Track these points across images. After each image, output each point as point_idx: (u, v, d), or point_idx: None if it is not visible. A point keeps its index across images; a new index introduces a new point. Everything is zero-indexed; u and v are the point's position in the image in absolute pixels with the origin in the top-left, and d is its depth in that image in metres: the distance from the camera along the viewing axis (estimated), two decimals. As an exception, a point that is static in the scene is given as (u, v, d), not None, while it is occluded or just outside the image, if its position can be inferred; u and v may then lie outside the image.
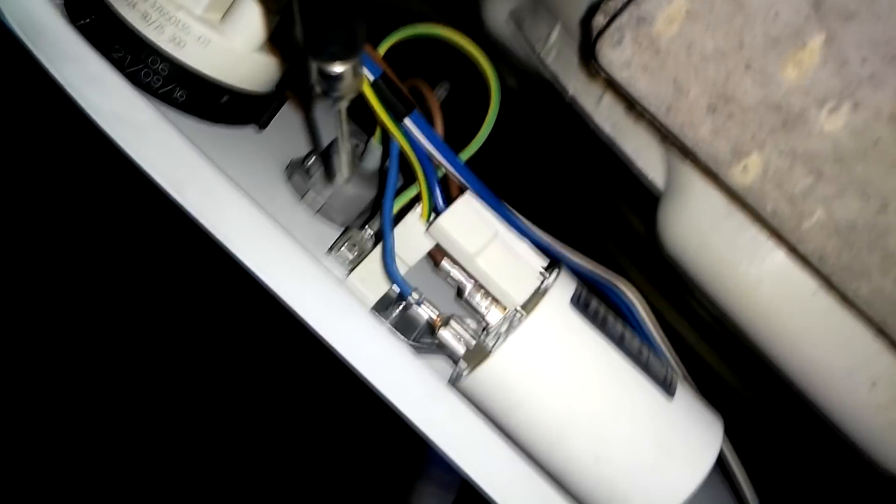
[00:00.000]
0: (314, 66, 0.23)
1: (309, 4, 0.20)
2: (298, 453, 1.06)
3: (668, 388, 0.30)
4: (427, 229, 0.31)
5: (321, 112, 0.39)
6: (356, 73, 0.23)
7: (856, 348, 0.34)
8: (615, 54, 0.28)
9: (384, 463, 1.07)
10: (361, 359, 0.29)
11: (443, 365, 0.34)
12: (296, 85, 0.38)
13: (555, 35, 0.47)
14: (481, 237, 0.30)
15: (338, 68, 0.22)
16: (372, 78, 0.28)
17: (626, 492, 0.29)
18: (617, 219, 0.57)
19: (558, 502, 0.29)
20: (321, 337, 0.29)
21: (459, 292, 0.35)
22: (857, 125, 0.26)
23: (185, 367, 1.02)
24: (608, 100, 0.42)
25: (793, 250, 0.29)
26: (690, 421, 0.30)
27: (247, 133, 0.37)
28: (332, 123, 0.33)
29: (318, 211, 0.36)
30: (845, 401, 0.36)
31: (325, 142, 0.38)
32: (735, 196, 0.29)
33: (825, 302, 0.34)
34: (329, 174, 0.35)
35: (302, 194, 0.36)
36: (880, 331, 0.29)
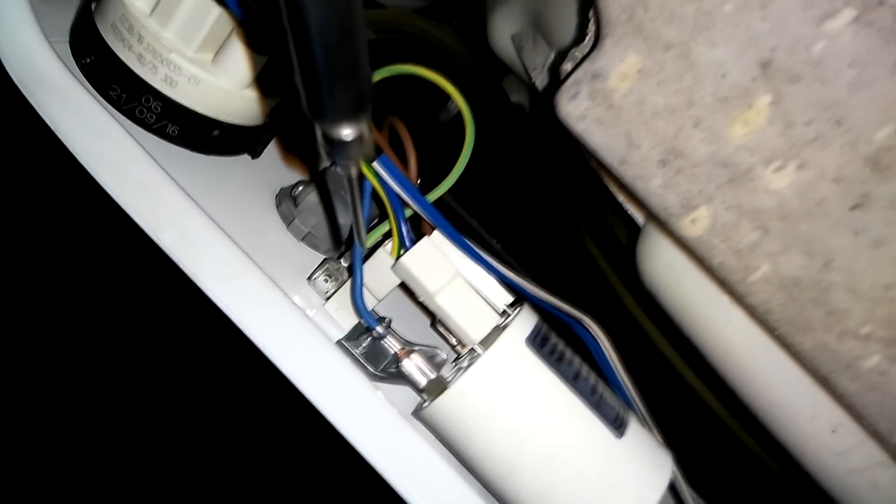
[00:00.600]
0: (318, 130, 0.21)
1: (310, 61, 0.18)
2: (300, 458, 1.06)
3: (618, 426, 0.31)
4: (393, 266, 0.32)
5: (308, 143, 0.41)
6: (365, 137, 0.21)
7: (820, 394, 0.35)
8: (571, 107, 0.29)
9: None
10: (319, 392, 0.31)
11: (411, 396, 0.36)
12: (283, 119, 0.40)
13: (548, 63, 0.48)
14: (442, 276, 0.31)
15: (345, 131, 0.20)
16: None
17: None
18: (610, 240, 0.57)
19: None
20: (282, 370, 0.31)
21: (433, 322, 0.37)
22: (802, 185, 0.27)
23: (185, 368, 1.03)
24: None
25: (741, 301, 0.30)
26: (637, 460, 0.31)
27: (241, 160, 0.39)
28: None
29: (303, 239, 0.38)
30: (810, 445, 0.36)
31: (313, 170, 0.40)
32: (686, 247, 0.30)
33: (790, 346, 0.35)
34: (325, 205, 0.37)
35: (288, 222, 0.38)
36: (825, 384, 0.29)
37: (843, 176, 0.26)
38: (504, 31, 0.57)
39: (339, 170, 0.28)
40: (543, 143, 0.70)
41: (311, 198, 0.38)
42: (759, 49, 0.26)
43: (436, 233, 0.33)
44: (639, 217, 0.42)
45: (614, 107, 0.29)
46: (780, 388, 0.36)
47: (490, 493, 0.32)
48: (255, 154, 0.40)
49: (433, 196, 0.33)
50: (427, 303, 0.32)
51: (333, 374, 0.32)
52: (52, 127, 0.30)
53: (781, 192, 0.27)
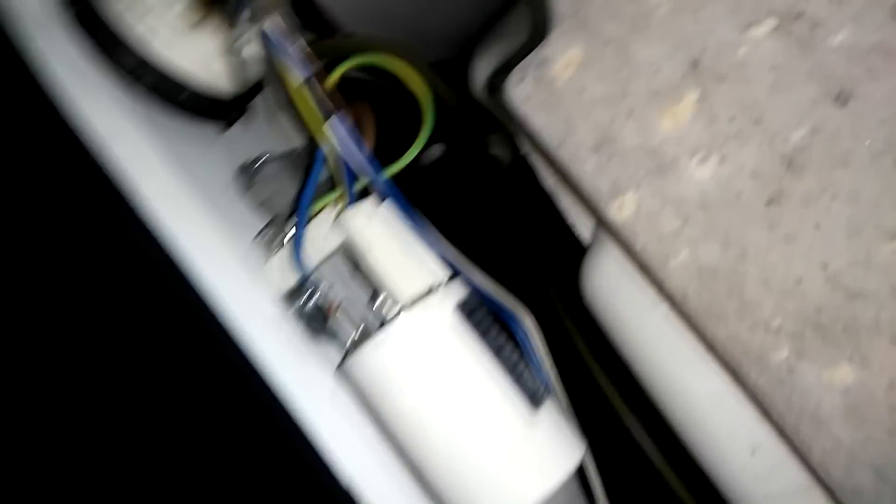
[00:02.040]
0: None
1: None
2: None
3: (534, 403, 0.31)
4: (333, 222, 0.33)
5: (267, 121, 0.43)
6: None
7: (741, 413, 0.35)
8: (517, 90, 0.31)
9: None
10: (249, 337, 0.32)
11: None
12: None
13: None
14: (379, 234, 0.32)
15: None
16: (301, 80, 0.32)
17: (476, 492, 0.30)
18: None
19: (409, 490, 0.30)
20: (215, 308, 0.32)
21: (374, 295, 0.37)
22: (722, 177, 0.29)
23: (186, 368, 1.01)
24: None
25: (660, 288, 0.31)
26: (549, 437, 0.31)
27: (205, 131, 0.41)
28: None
29: (258, 207, 0.39)
30: (728, 467, 0.36)
31: (274, 147, 0.41)
32: (612, 231, 0.31)
33: (714, 363, 0.35)
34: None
35: (244, 192, 0.39)
36: (736, 376, 0.30)
37: (760, 172, 0.28)
38: (480, 77, 0.60)
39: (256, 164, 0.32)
40: (518, 197, 0.73)
41: (269, 171, 0.39)
42: (689, 49, 0.29)
43: (385, 202, 0.34)
44: (585, 237, 0.43)
45: (556, 93, 0.31)
46: (704, 404, 0.36)
47: (403, 457, 0.32)
48: (223, 128, 0.41)
49: (388, 172, 0.35)
50: (361, 261, 0.33)
51: (268, 326, 0.32)
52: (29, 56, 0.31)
53: (703, 183, 0.29)
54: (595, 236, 0.42)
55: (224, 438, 1.01)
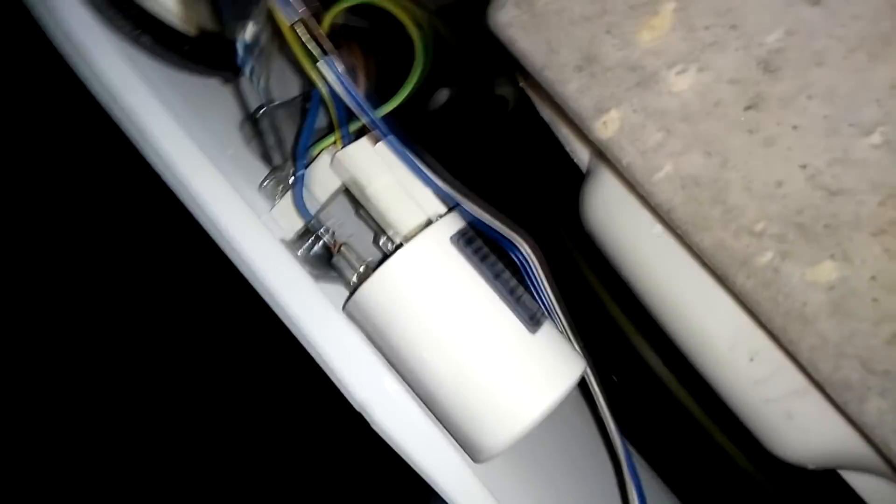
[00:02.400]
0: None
1: None
2: (317, 461, 1.06)
3: (533, 324, 0.33)
4: (331, 163, 0.35)
5: (275, 71, 0.44)
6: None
7: (738, 320, 0.36)
8: (500, 15, 0.32)
9: (400, 479, 1.06)
10: (261, 275, 0.33)
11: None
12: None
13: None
14: (374, 172, 0.34)
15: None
16: (288, 22, 0.33)
17: (481, 411, 0.32)
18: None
19: (418, 415, 0.32)
20: (226, 250, 0.33)
21: (375, 237, 0.39)
22: (701, 86, 0.29)
23: (190, 367, 1.03)
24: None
25: (646, 202, 0.32)
26: (548, 356, 0.32)
27: (209, 84, 0.43)
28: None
29: (262, 156, 0.41)
30: (729, 375, 0.37)
31: (276, 96, 0.43)
32: (600, 150, 0.32)
33: (709, 274, 0.36)
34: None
35: (248, 141, 0.41)
36: (724, 283, 0.31)
37: (738, 78, 0.29)
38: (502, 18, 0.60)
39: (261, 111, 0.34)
40: (524, 138, 0.73)
41: (270, 119, 0.40)
42: (664, -40, 0.29)
43: (380, 143, 0.35)
44: (583, 165, 0.44)
45: (537, 15, 0.31)
46: (703, 317, 0.37)
47: (411, 383, 0.34)
48: (227, 79, 0.43)
49: (382, 111, 0.36)
50: (360, 198, 0.34)
51: (275, 262, 0.34)
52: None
53: (683, 94, 0.30)
54: (591, 162, 0.43)
55: (248, 371, 1.04)
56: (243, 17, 0.30)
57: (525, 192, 0.68)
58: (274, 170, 0.38)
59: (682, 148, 0.30)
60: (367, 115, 0.34)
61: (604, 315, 0.54)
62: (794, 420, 0.36)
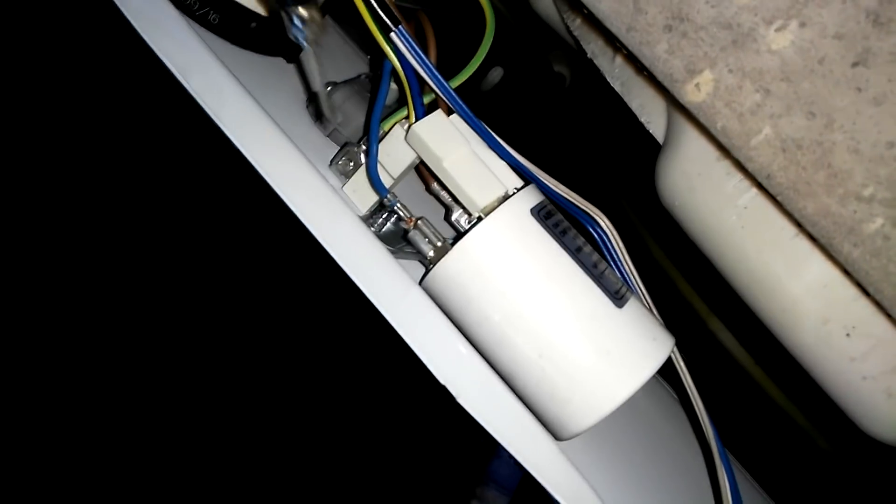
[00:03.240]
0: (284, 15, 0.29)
1: None
2: (358, 456, 1.06)
3: (618, 298, 0.32)
4: (406, 137, 0.34)
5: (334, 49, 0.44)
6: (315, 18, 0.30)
7: (833, 293, 0.35)
8: (582, -23, 0.31)
9: (446, 466, 1.07)
10: (341, 252, 0.33)
11: (421, 270, 0.37)
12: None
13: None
14: (451, 145, 0.33)
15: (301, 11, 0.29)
16: (362, -8, 0.32)
17: (567, 389, 0.31)
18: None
19: (502, 391, 0.31)
20: (309, 229, 0.33)
21: (447, 213, 0.38)
22: (803, 43, 0.28)
23: (203, 366, 1.02)
24: (619, 61, 0.45)
25: (753, 180, 0.30)
26: (636, 330, 0.31)
27: (277, 63, 0.42)
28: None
29: (329, 135, 0.40)
30: (822, 351, 0.36)
31: (339, 76, 0.42)
32: (698, 123, 0.31)
33: (804, 245, 0.35)
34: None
35: (316, 118, 0.41)
36: (828, 253, 0.29)
37: (843, 32, 0.27)
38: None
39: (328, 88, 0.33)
40: (583, 113, 0.72)
41: (339, 97, 0.40)
42: None
43: (453, 115, 0.34)
44: (659, 135, 0.42)
45: (622, -26, 0.30)
46: (793, 289, 0.35)
47: (492, 360, 0.33)
48: (292, 58, 0.42)
49: (454, 83, 0.35)
50: (437, 171, 0.33)
51: (360, 243, 0.33)
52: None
53: (783, 51, 0.28)
54: (669, 132, 0.41)
55: (331, 347, 1.04)
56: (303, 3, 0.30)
57: (585, 168, 0.67)
58: (344, 146, 0.38)
59: (783, 109, 0.28)
60: (442, 85, 0.33)
61: (673, 292, 0.53)
62: (895, 397, 0.34)
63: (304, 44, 0.32)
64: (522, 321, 0.31)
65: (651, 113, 0.43)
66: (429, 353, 0.31)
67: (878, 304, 0.29)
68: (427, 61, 0.33)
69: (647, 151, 0.44)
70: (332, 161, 0.38)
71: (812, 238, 0.33)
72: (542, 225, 0.32)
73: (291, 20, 0.31)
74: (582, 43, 0.48)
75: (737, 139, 0.30)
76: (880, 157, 0.27)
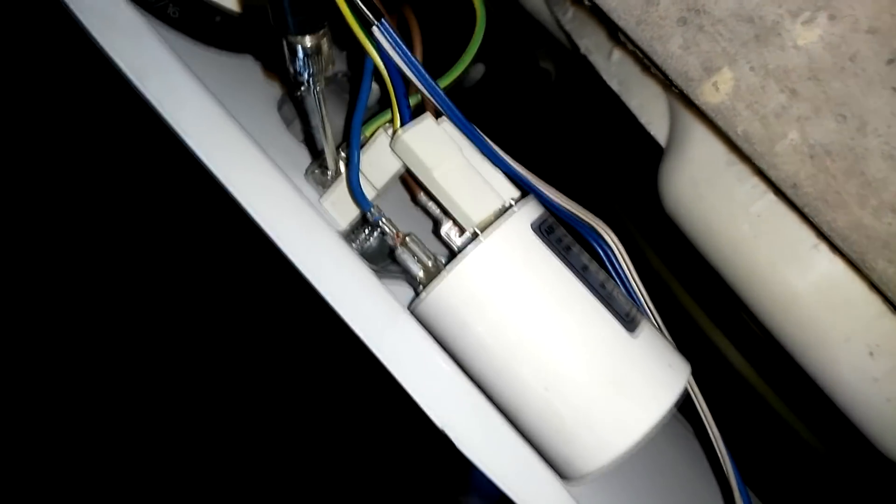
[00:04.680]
0: (285, 45, 0.26)
1: None
2: (340, 466, 1.04)
3: (629, 322, 0.29)
4: (391, 144, 0.31)
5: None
6: (322, 50, 0.27)
7: (856, 310, 0.33)
8: (585, -34, 0.28)
9: (429, 476, 1.05)
10: (319, 275, 0.30)
11: (408, 291, 0.34)
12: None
13: (570, -1, 0.47)
14: (442, 152, 0.30)
15: (307, 42, 0.26)
16: (340, -17, 0.29)
17: (575, 425, 0.28)
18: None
19: (506, 432, 0.29)
20: (283, 252, 0.30)
21: (436, 226, 0.35)
22: (833, 38, 0.25)
23: (203, 367, 1.01)
24: (617, 57, 0.42)
25: (769, 186, 0.28)
26: (650, 359, 0.29)
27: (244, 62, 0.39)
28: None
29: (304, 140, 0.37)
30: (842, 371, 0.34)
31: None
32: (709, 125, 0.28)
33: (824, 258, 0.33)
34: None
35: (289, 123, 0.37)
36: (862, 277, 0.27)
37: (878, 26, 0.25)
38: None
39: (302, 88, 0.30)
40: (570, 111, 0.69)
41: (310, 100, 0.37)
42: None
43: (442, 118, 0.31)
44: (661, 138, 0.40)
45: (631, -38, 0.27)
46: (813, 304, 0.33)
47: (489, 394, 0.30)
48: (260, 57, 0.39)
49: (442, 83, 0.32)
50: (426, 182, 0.31)
51: (340, 264, 0.30)
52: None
53: (811, 47, 0.26)
54: (673, 135, 0.39)
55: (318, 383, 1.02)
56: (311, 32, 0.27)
57: (574, 170, 0.64)
58: (321, 154, 0.34)
59: (811, 111, 0.26)
60: (430, 85, 0.30)
61: (673, 304, 0.50)
62: (923, 421, 0.32)
63: (309, 82, 0.29)
64: (526, 351, 0.28)
65: (652, 113, 0.40)
66: (424, 394, 0.28)
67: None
68: (413, 59, 0.31)
69: (644, 152, 0.42)
70: (307, 170, 0.35)
71: (835, 248, 0.31)
72: (544, 242, 0.29)
73: (294, 52, 0.27)
74: (574, 38, 0.45)
75: (760, 145, 0.27)
76: (919, 165, 0.25)
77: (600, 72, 0.43)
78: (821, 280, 0.33)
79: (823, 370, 0.34)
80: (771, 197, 0.33)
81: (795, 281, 0.33)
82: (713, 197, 0.35)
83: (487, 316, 0.29)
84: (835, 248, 0.31)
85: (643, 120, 0.40)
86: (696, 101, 0.28)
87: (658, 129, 0.40)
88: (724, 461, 0.33)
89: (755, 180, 0.34)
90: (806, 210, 0.27)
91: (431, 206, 0.35)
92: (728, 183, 0.35)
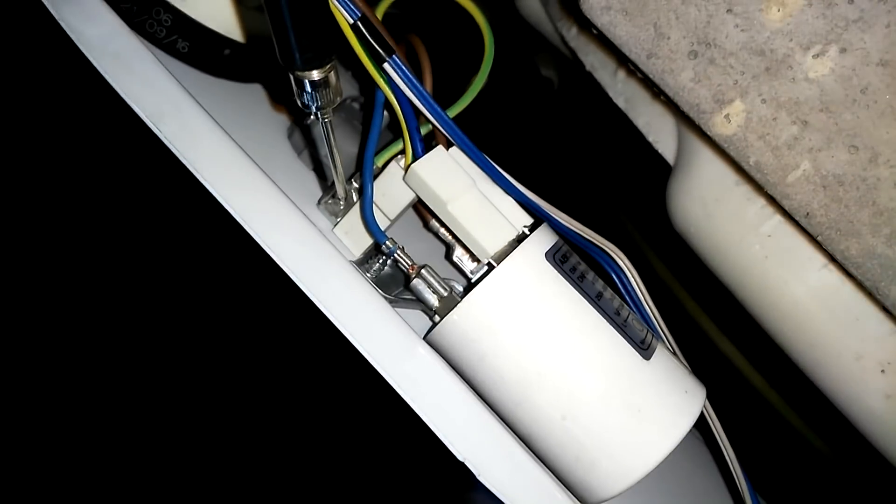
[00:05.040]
0: (293, 79, 0.27)
1: (279, 17, 0.24)
2: (345, 464, 1.04)
3: (645, 349, 0.29)
4: (404, 178, 0.31)
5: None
6: (330, 83, 0.27)
7: (866, 328, 0.33)
8: (595, -1, 0.28)
9: (434, 473, 1.05)
10: (335, 307, 0.30)
11: (423, 320, 0.34)
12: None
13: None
14: (456, 185, 0.30)
15: (315, 76, 0.27)
16: (351, 20, 0.29)
17: (594, 452, 0.28)
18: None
19: (525, 461, 0.29)
20: (294, 280, 0.30)
21: (448, 252, 0.36)
22: (844, 71, 0.26)
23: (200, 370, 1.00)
24: (623, 75, 0.42)
25: (778, 207, 0.28)
26: (667, 384, 0.29)
27: (253, 90, 0.39)
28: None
29: (314, 169, 0.37)
30: (854, 389, 0.34)
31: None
32: (718, 148, 0.29)
33: (834, 277, 0.33)
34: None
35: (300, 151, 0.38)
36: (872, 297, 0.27)
37: (889, 59, 0.25)
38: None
39: (311, 117, 0.30)
40: (574, 120, 0.69)
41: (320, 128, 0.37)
42: (796, -76, 0.25)
43: (453, 147, 0.32)
44: (669, 156, 0.40)
45: (641, -5, 0.28)
46: (823, 324, 0.34)
47: (507, 422, 0.30)
48: (268, 86, 0.39)
49: (452, 112, 0.33)
50: (440, 214, 0.31)
51: (354, 293, 0.30)
52: (63, 26, 0.29)
53: (822, 79, 0.26)
54: (681, 153, 0.39)
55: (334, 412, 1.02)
56: (318, 67, 0.27)
57: (579, 181, 0.64)
58: (333, 184, 0.35)
59: (823, 142, 0.26)
60: (440, 116, 0.31)
61: (682, 315, 0.51)
62: (937, 438, 0.33)
63: (317, 115, 0.29)
64: (543, 379, 0.29)
65: (659, 132, 0.41)
66: (443, 427, 0.28)
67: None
68: (424, 92, 0.31)
69: (648, 161, 0.42)
70: (320, 200, 0.35)
71: (845, 270, 0.31)
72: (559, 271, 0.30)
73: (302, 86, 0.27)
74: (579, 55, 0.46)
75: (772, 175, 0.27)
76: (931, 194, 0.25)
77: (606, 89, 0.43)
78: (831, 299, 0.33)
79: (835, 388, 0.35)
80: (780, 217, 0.34)
81: (806, 300, 0.34)
82: (722, 216, 0.36)
83: (503, 344, 0.29)
84: (843, 269, 0.32)
85: (650, 138, 0.41)
86: (709, 133, 0.28)
87: (666, 147, 0.40)
88: (739, 481, 0.33)
89: (764, 201, 0.34)
90: (819, 238, 0.28)
91: (443, 232, 0.35)
92: (737, 203, 0.35)
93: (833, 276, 0.33)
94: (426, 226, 0.36)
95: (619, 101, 0.42)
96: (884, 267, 0.26)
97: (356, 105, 0.39)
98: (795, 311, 0.34)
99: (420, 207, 0.34)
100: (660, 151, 0.40)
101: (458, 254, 0.35)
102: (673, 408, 0.29)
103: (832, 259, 0.32)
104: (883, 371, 0.33)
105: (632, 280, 0.34)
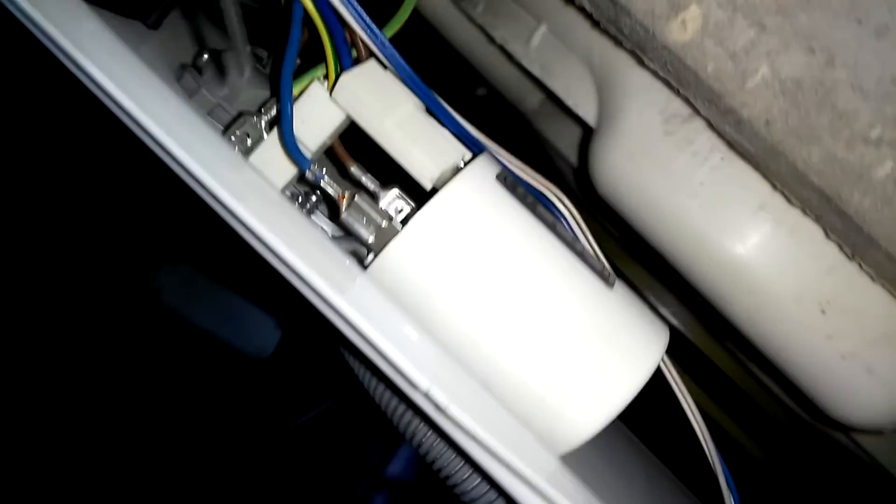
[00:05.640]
0: None
1: None
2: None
3: (606, 278, 0.27)
4: (331, 93, 0.27)
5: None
6: None
7: (805, 268, 0.32)
8: None
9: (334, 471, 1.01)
10: (270, 233, 0.25)
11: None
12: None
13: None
14: (394, 98, 0.27)
15: None
16: None
17: (564, 386, 0.25)
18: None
19: (494, 401, 0.25)
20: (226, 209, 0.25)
21: (373, 199, 0.31)
22: (798, -29, 0.25)
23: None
24: (536, 42, 0.41)
25: (737, 120, 0.27)
26: (633, 313, 0.27)
27: (138, 30, 0.34)
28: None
29: (210, 113, 0.32)
30: (796, 333, 0.33)
31: (218, 41, 0.35)
32: (673, 58, 0.27)
33: (771, 219, 0.32)
34: (222, 73, 0.32)
35: (192, 94, 0.32)
36: (835, 206, 0.27)
37: (840, -41, 0.25)
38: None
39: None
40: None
41: (215, 67, 0.32)
42: None
43: (388, 69, 0.28)
44: (591, 117, 0.39)
45: None
46: (757, 271, 0.33)
47: (463, 363, 0.26)
48: (153, 24, 0.34)
49: (388, 31, 0.29)
50: (375, 134, 0.27)
51: (284, 223, 0.25)
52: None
53: (777, -20, 0.25)
54: (603, 112, 0.38)
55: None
56: None
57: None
58: (239, 116, 0.30)
59: (780, 46, 0.26)
60: (373, 32, 0.27)
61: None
62: (876, 374, 0.32)
63: None
64: (506, 310, 0.25)
65: (578, 94, 0.39)
66: (404, 349, 0.23)
67: (861, 268, 0.27)
68: (355, 4, 0.27)
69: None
70: (225, 129, 0.30)
71: (788, 201, 0.30)
72: (510, 194, 0.27)
73: None
74: (488, 30, 0.44)
75: (730, 83, 0.26)
76: (886, 95, 0.25)
77: (520, 59, 0.42)
78: (767, 242, 0.32)
79: (774, 335, 0.34)
80: (712, 163, 0.33)
81: (742, 249, 0.33)
82: (652, 169, 0.34)
83: (456, 273, 0.25)
84: (787, 201, 0.31)
85: (570, 102, 0.39)
86: (664, 41, 0.27)
87: (586, 109, 0.39)
88: (705, 444, 0.31)
89: (695, 147, 0.33)
90: (780, 147, 0.27)
91: (367, 179, 0.31)
92: (667, 152, 0.34)
93: (769, 217, 0.32)
94: (346, 174, 0.32)
95: (535, 69, 0.41)
96: (845, 172, 0.26)
97: (262, 64, 0.35)
98: (731, 261, 0.33)
99: (338, 151, 0.30)
100: (580, 115, 0.39)
101: (386, 201, 0.31)
102: (645, 332, 0.26)
103: (771, 197, 0.32)
104: (823, 311, 0.32)
105: (574, 224, 0.31)
